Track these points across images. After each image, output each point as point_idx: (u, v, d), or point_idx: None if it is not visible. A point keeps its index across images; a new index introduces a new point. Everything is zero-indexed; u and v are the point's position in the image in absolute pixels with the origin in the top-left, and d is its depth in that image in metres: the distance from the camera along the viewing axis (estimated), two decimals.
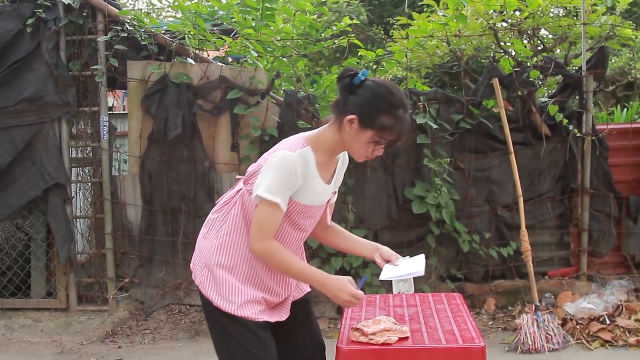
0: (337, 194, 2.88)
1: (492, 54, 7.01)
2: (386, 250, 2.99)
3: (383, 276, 2.78)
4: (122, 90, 6.22)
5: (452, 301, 3.41)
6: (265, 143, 5.68)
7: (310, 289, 2.96)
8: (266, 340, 2.65)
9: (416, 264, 2.84)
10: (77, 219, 6.11)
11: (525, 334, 5.00)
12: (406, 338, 2.73)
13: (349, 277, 2.60)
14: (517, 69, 5.89)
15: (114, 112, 6.87)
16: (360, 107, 2.44)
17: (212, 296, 2.61)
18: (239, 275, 2.63)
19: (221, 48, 6.25)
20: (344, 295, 2.54)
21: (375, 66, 6.57)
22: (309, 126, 5.79)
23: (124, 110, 7.92)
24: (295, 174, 2.47)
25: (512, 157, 5.48)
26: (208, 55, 6.07)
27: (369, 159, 2.60)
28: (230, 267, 2.62)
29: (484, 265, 5.95)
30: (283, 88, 6.03)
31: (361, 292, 2.59)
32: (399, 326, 2.78)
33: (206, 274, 2.65)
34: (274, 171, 2.47)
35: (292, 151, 2.49)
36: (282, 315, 2.77)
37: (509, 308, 5.91)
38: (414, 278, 5.66)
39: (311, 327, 2.96)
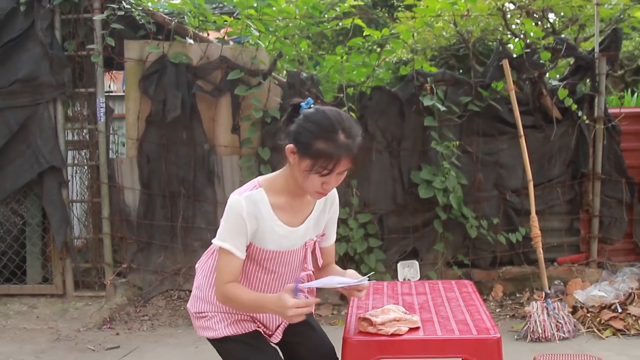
0: (329, 238, 2.72)
1: (499, 37, 6.82)
2: (350, 271, 2.70)
3: (318, 283, 2.48)
4: (121, 71, 6.02)
5: (464, 289, 3.25)
6: (267, 125, 5.52)
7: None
8: (262, 346, 2.60)
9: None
10: (74, 203, 5.95)
11: (535, 322, 4.85)
12: (417, 328, 2.57)
13: (290, 286, 2.36)
14: (528, 50, 5.70)
15: (111, 94, 6.69)
16: (295, 135, 2.30)
17: (205, 332, 2.64)
18: (218, 317, 2.62)
19: (222, 30, 6.05)
20: (287, 311, 2.28)
21: (379, 49, 6.37)
22: None
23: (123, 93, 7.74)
24: (241, 217, 2.38)
25: (522, 140, 5.30)
26: (208, 35, 5.88)
27: (323, 195, 2.42)
28: (209, 316, 2.63)
29: (491, 252, 5.80)
30: (286, 69, 5.83)
31: (304, 299, 2.33)
32: (409, 316, 2.62)
33: (195, 319, 2.68)
34: (224, 217, 2.42)
35: (240, 195, 2.41)
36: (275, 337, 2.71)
37: (517, 295, 5.77)
38: (420, 265, 5.61)
39: (314, 335, 2.76)
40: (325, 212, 2.60)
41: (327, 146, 2.24)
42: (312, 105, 2.35)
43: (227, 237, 2.41)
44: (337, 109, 2.35)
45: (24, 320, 5.51)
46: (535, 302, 5.00)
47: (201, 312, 2.62)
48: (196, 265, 2.74)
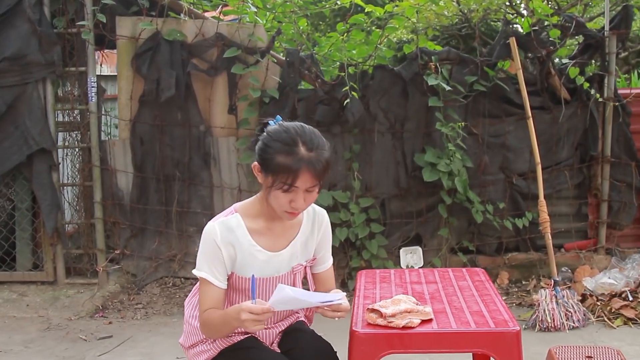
0: (322, 262, 2.58)
1: (503, 16, 6.61)
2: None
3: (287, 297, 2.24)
4: (113, 50, 5.80)
5: (476, 277, 3.06)
6: (265, 105, 5.32)
7: (301, 318, 2.66)
8: (263, 347, 2.48)
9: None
10: (65, 187, 5.73)
11: (544, 310, 4.68)
12: (429, 320, 2.38)
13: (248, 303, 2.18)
14: (535, 27, 5.49)
15: (103, 74, 6.46)
16: (259, 152, 2.27)
17: (200, 357, 2.52)
18: (209, 340, 2.51)
19: (217, 8, 5.83)
20: (240, 314, 2.15)
21: (378, 30, 6.14)
22: (312, 88, 5.42)
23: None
24: (215, 244, 2.31)
25: (530, 121, 5.12)
26: (204, 13, 5.66)
27: (293, 215, 2.31)
28: (201, 342, 2.54)
29: (497, 237, 5.63)
30: (284, 47, 5.61)
31: (260, 306, 2.15)
32: (421, 307, 2.43)
33: (189, 351, 2.58)
34: (200, 245, 2.36)
35: (214, 221, 2.37)
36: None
37: (523, 282, 5.60)
38: (423, 251, 5.42)
39: (305, 336, 2.55)
40: (314, 234, 2.50)
41: (286, 160, 2.17)
42: (280, 123, 2.30)
43: (204, 266, 2.33)
44: (301, 123, 2.29)
45: (13, 308, 5.32)
46: (544, 290, 4.82)
47: (194, 344, 2.53)
48: (185, 302, 2.64)
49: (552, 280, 4.83)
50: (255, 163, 2.28)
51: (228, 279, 2.38)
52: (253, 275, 2.27)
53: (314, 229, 2.49)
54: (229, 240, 2.32)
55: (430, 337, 2.31)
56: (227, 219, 2.36)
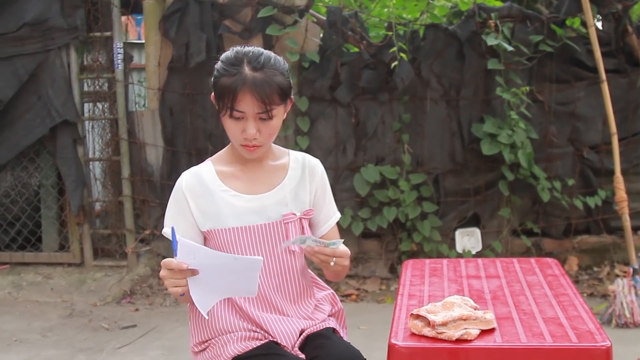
0: (322, 218, 2.20)
1: None
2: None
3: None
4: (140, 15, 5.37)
5: (548, 270, 2.51)
6: (305, 70, 4.83)
7: (330, 325, 2.18)
8: (283, 353, 2.03)
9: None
10: (91, 162, 5.34)
11: (622, 303, 4.09)
12: (491, 331, 1.87)
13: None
14: None
15: (130, 41, 6.04)
16: (212, 80, 2.05)
17: None
18: (221, 341, 2.12)
19: None
20: (161, 273, 1.88)
21: None
22: (357, 50, 4.88)
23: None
24: (181, 192, 2.07)
25: (605, 86, 4.51)
26: None
27: (249, 148, 2.02)
28: (211, 344, 2.15)
29: (565, 218, 5.04)
30: (325, 5, 5.08)
31: (174, 260, 1.83)
32: (481, 312, 1.90)
33: (199, 356, 2.20)
34: (169, 201, 2.13)
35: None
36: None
37: (595, 269, 5.01)
38: (482, 233, 4.87)
39: (330, 344, 2.09)
40: (305, 183, 2.16)
41: (228, 80, 1.96)
42: None
43: (169, 221, 2.07)
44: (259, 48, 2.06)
45: (37, 292, 4.99)
46: (621, 279, 4.22)
47: (202, 342, 2.16)
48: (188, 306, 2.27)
49: (631, 268, 4.23)
50: (212, 94, 2.05)
51: (207, 240, 2.08)
52: (173, 227, 1.86)
53: (305, 176, 2.16)
54: (196, 187, 2.06)
55: (492, 353, 1.79)
56: (197, 167, 2.13)
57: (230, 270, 1.84)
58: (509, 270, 2.51)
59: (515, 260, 2.66)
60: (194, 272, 1.82)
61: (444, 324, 1.81)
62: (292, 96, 2.08)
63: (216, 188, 2.06)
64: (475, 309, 1.93)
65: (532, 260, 2.65)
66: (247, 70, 1.94)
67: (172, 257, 1.85)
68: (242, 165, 2.10)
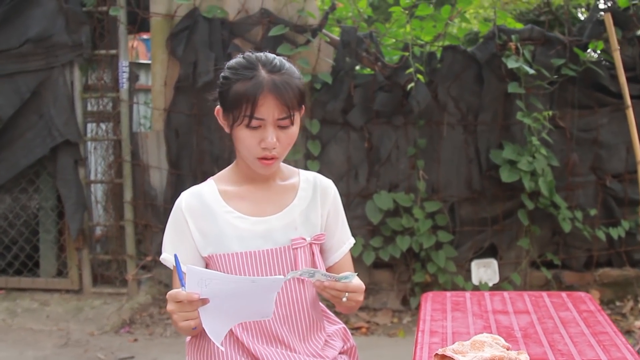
0: (335, 244, 2.02)
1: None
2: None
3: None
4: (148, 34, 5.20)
5: (582, 305, 2.29)
6: (317, 92, 4.64)
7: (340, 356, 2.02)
8: None
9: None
10: (92, 184, 5.14)
11: None
12: None
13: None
14: (635, 1, 4.66)
15: (137, 61, 5.88)
16: (218, 92, 1.89)
17: None
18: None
19: None
20: (169, 306, 1.66)
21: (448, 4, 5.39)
22: (371, 72, 4.70)
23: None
24: (181, 214, 1.89)
25: (630, 111, 4.32)
26: None
27: (268, 162, 1.84)
28: None
29: (586, 250, 4.81)
30: (340, 24, 4.91)
31: (184, 292, 1.62)
32: (514, 353, 1.68)
33: None
34: (167, 223, 1.94)
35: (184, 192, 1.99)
36: None
37: (617, 303, 4.78)
38: (499, 264, 4.65)
39: None
40: (317, 205, 1.97)
41: (244, 85, 1.78)
42: None
43: (168, 246, 1.90)
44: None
45: (32, 319, 4.75)
46: None
47: None
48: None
49: None
50: (218, 107, 1.89)
51: (208, 266, 1.91)
52: (176, 255, 1.69)
53: (317, 197, 1.98)
54: (197, 208, 1.89)
55: None
56: (198, 186, 1.97)
57: (245, 294, 1.64)
58: (539, 305, 2.28)
59: (544, 293, 2.43)
60: (204, 302, 1.62)
61: None
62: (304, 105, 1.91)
63: (219, 209, 1.89)
64: (507, 349, 1.71)
65: (563, 294, 2.42)
66: (263, 73, 1.78)
67: (175, 287, 1.72)
68: (248, 184, 1.93)
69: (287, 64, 1.86)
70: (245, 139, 1.81)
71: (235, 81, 1.80)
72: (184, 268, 1.62)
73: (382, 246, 4.65)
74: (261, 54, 1.85)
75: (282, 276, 1.70)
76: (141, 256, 5.03)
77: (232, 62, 1.87)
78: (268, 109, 1.77)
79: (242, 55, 1.86)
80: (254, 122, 1.78)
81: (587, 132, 4.77)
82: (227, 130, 1.88)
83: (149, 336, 4.50)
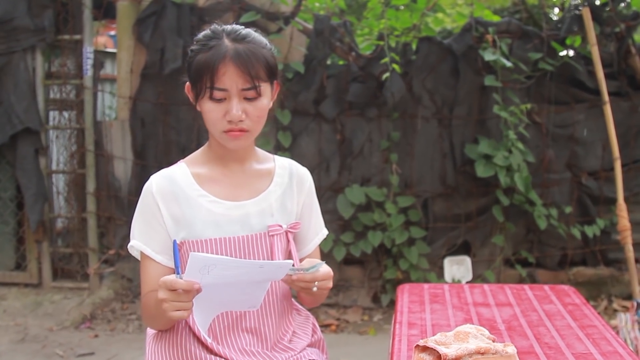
0: (308, 235, 1.94)
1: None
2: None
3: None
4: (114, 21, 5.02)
5: (566, 298, 2.19)
6: (288, 82, 4.48)
7: (312, 357, 1.88)
8: None
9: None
10: (53, 174, 4.94)
11: (625, 340, 3.76)
12: None
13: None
14: None
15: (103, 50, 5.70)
16: (186, 66, 1.80)
17: None
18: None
19: None
20: (160, 294, 1.52)
21: None
22: (344, 62, 4.57)
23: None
24: (151, 198, 1.77)
25: (607, 107, 4.28)
26: None
27: (235, 133, 1.73)
28: None
29: (561, 248, 4.73)
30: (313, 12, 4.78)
31: (181, 280, 1.51)
32: (500, 345, 1.56)
33: None
34: (136, 208, 1.82)
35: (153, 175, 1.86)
36: None
37: (591, 303, 4.66)
38: (472, 261, 4.55)
39: None
40: (293, 192, 1.89)
41: (206, 55, 1.69)
42: None
43: (137, 233, 1.78)
44: None
45: None
46: (624, 314, 3.91)
47: None
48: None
49: (635, 302, 3.92)
50: (187, 83, 1.78)
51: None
52: (175, 240, 1.60)
53: (292, 185, 1.90)
54: (169, 191, 1.76)
55: None
56: (169, 168, 1.82)
57: (244, 281, 1.56)
58: (522, 298, 2.17)
59: (526, 286, 2.33)
60: (198, 291, 1.53)
61: (458, 359, 1.46)
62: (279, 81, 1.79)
63: (192, 192, 1.77)
64: (493, 341, 1.59)
65: (546, 287, 2.32)
66: (227, 42, 1.69)
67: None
68: (222, 167, 1.82)
69: (255, 34, 1.76)
70: (210, 112, 1.71)
71: (198, 51, 1.72)
72: (191, 255, 1.49)
73: (353, 241, 4.52)
74: (228, 25, 1.76)
75: (291, 260, 1.64)
76: (104, 249, 4.86)
77: (200, 34, 1.77)
78: (230, 78, 1.66)
79: (207, 28, 1.77)
80: (217, 94, 1.67)
81: (563, 128, 4.69)
82: (195, 106, 1.78)
83: (110, 332, 4.33)
